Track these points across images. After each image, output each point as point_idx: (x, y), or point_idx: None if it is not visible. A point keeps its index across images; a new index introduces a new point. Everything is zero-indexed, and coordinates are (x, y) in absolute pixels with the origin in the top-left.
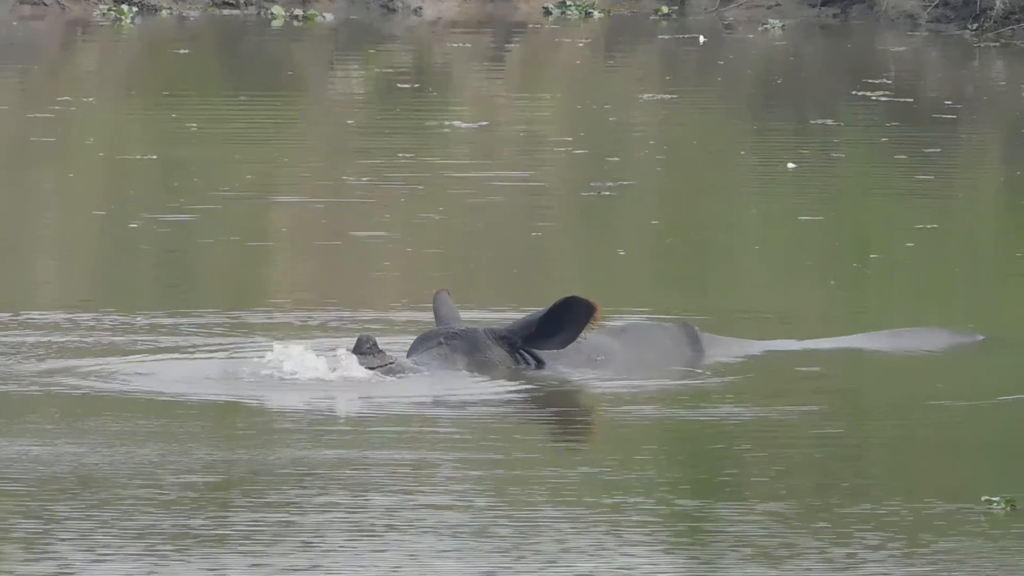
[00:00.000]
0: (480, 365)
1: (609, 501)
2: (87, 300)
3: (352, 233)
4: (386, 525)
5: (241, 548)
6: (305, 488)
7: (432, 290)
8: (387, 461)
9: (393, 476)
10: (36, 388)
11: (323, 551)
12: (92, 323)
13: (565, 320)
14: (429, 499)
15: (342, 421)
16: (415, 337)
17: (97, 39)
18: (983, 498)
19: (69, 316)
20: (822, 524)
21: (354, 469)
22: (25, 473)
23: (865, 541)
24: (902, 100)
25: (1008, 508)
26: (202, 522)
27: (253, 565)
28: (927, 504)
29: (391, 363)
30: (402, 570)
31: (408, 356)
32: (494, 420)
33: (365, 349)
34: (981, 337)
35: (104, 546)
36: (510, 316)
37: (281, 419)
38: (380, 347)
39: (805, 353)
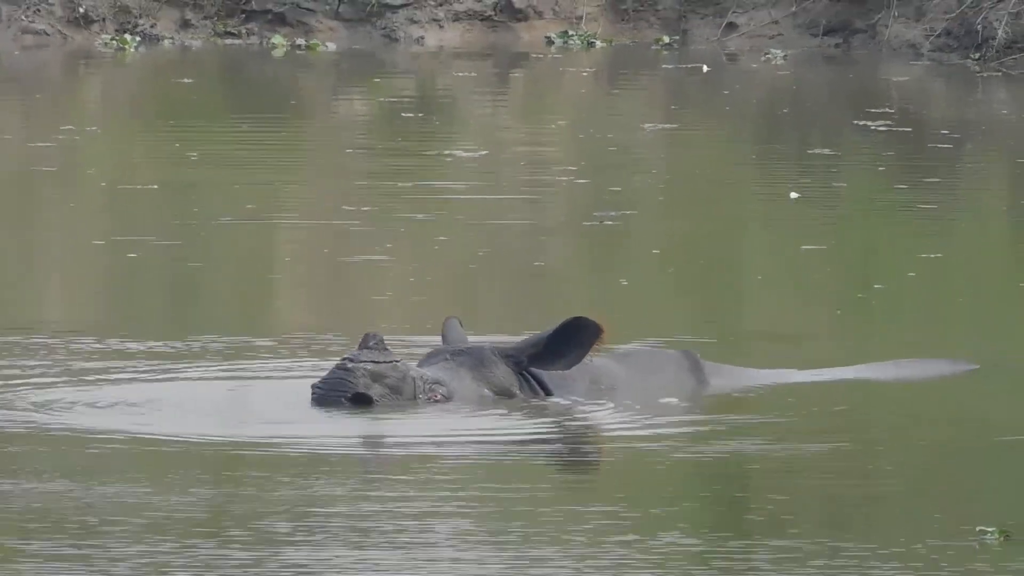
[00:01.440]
0: (485, 381)
1: (619, 539)
2: (80, 328)
3: (353, 260)
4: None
5: None
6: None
7: (435, 317)
8: (390, 510)
9: (399, 518)
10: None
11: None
12: (88, 349)
13: (572, 341)
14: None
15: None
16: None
17: (100, 68)
18: (977, 528)
19: (64, 342)
20: (828, 561)
21: (351, 513)
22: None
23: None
24: (904, 129)
25: (1002, 539)
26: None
27: None
28: (927, 538)
29: (396, 361)
30: None
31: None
32: (501, 457)
33: (371, 345)
34: (981, 366)
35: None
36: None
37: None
38: (386, 345)
39: (808, 385)
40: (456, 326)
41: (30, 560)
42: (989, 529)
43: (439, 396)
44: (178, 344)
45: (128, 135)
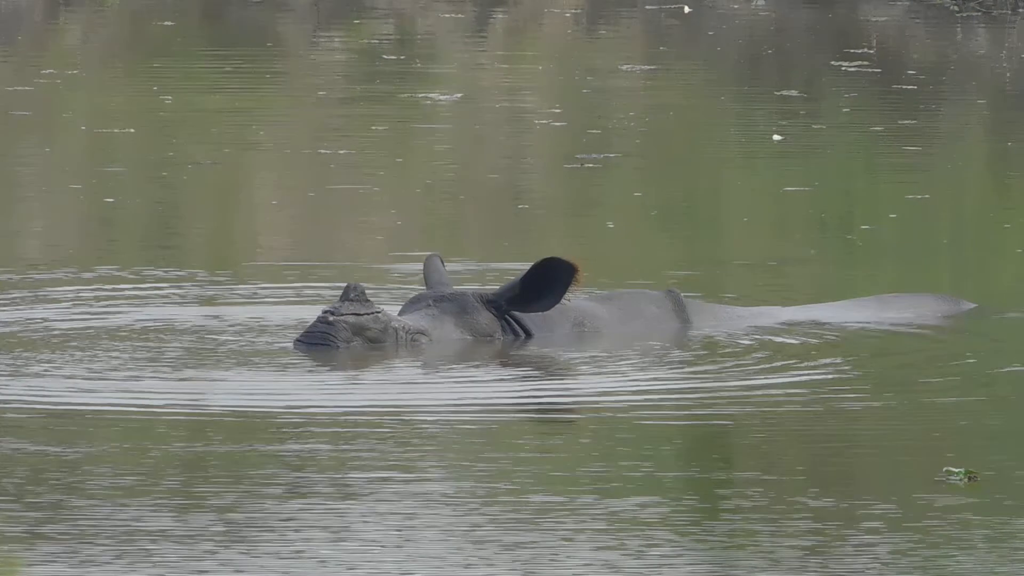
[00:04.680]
0: (468, 328)
1: (608, 498)
2: (60, 268)
3: (331, 202)
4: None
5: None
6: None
7: (418, 257)
8: (374, 463)
9: (378, 479)
10: None
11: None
12: (69, 292)
13: (547, 282)
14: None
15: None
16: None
17: (81, 12)
18: (944, 469)
19: (43, 278)
20: (805, 491)
21: (332, 469)
22: None
23: (838, 515)
24: (883, 71)
25: (967, 480)
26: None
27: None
28: (897, 479)
29: (378, 312)
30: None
31: (399, 316)
32: (486, 422)
33: (352, 296)
34: (972, 305)
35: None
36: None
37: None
38: (368, 297)
39: (788, 326)
40: (438, 265)
41: None
42: (956, 470)
43: (422, 345)
44: (155, 276)
45: (109, 79)
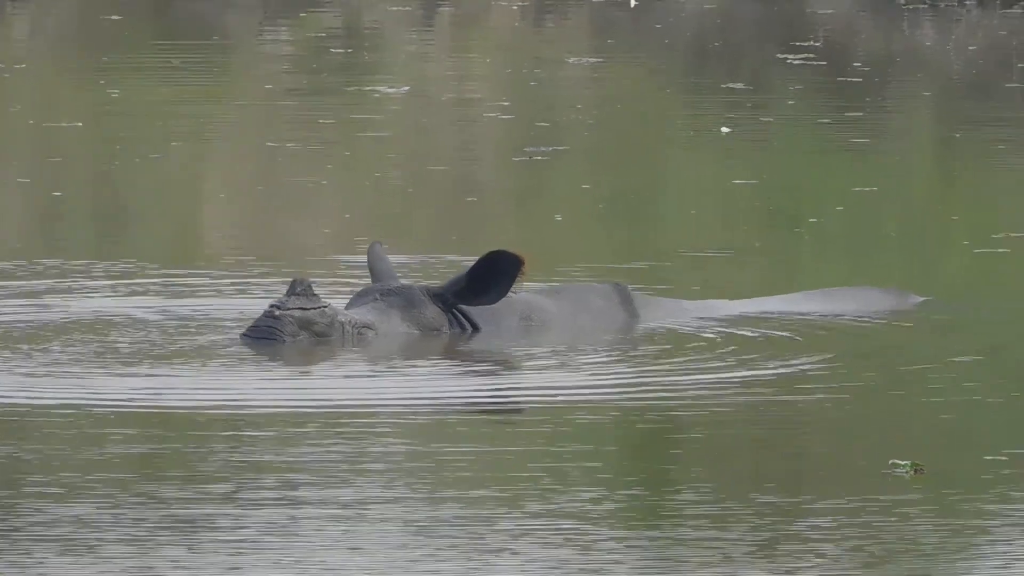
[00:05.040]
0: (415, 321)
1: (554, 493)
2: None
3: (279, 195)
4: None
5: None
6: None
7: (363, 248)
8: (320, 458)
9: (328, 473)
10: None
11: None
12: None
13: (494, 275)
14: (368, 495)
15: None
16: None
17: (28, 6)
18: (890, 461)
19: None
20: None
21: (286, 467)
22: None
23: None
24: (829, 64)
25: (913, 472)
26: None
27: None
28: (844, 471)
29: (324, 306)
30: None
31: (346, 309)
32: (438, 415)
33: (299, 291)
34: (920, 298)
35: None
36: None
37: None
38: (315, 291)
39: (734, 319)
40: (381, 253)
41: None
42: (902, 463)
43: (368, 339)
44: (103, 270)
45: (56, 73)
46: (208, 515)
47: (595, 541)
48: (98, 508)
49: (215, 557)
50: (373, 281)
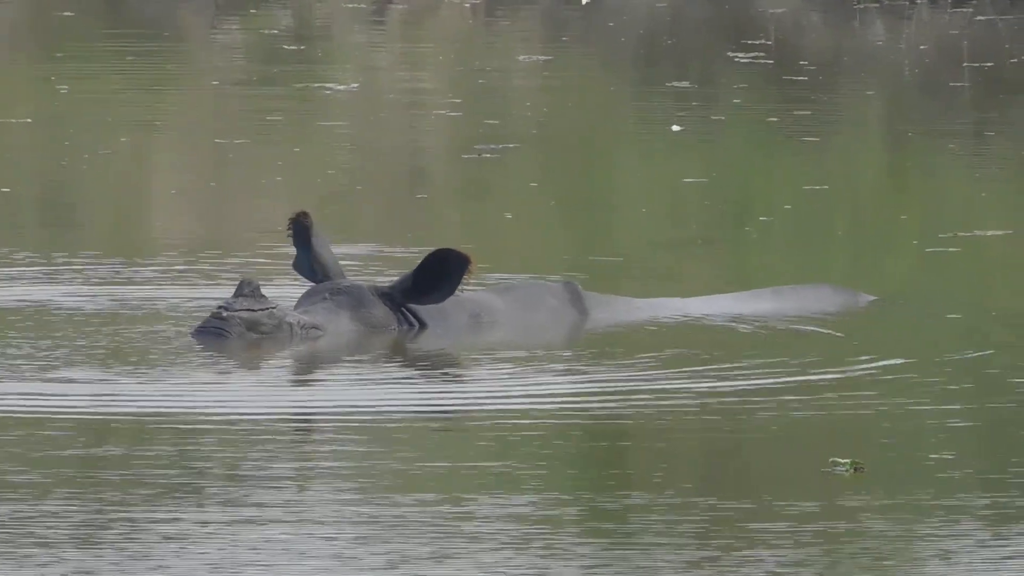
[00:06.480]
0: (363, 321)
1: (503, 497)
2: None
3: (229, 192)
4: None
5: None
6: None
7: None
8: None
9: (280, 485)
10: None
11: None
12: None
13: (441, 274)
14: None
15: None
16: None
17: None
18: (830, 459)
19: None
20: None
21: (234, 479)
22: None
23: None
24: (778, 62)
25: (853, 470)
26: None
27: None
28: (785, 469)
29: (272, 307)
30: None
31: (295, 308)
32: (386, 422)
33: (246, 292)
34: (869, 297)
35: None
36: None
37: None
38: (262, 293)
39: (682, 320)
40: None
41: None
42: (842, 461)
43: (316, 339)
44: (52, 266)
45: (7, 68)
46: (144, 521)
47: (544, 546)
48: (42, 513)
49: (153, 562)
50: (313, 268)
